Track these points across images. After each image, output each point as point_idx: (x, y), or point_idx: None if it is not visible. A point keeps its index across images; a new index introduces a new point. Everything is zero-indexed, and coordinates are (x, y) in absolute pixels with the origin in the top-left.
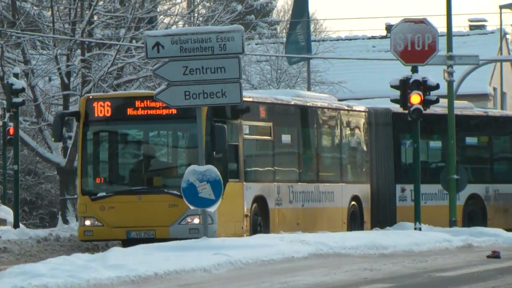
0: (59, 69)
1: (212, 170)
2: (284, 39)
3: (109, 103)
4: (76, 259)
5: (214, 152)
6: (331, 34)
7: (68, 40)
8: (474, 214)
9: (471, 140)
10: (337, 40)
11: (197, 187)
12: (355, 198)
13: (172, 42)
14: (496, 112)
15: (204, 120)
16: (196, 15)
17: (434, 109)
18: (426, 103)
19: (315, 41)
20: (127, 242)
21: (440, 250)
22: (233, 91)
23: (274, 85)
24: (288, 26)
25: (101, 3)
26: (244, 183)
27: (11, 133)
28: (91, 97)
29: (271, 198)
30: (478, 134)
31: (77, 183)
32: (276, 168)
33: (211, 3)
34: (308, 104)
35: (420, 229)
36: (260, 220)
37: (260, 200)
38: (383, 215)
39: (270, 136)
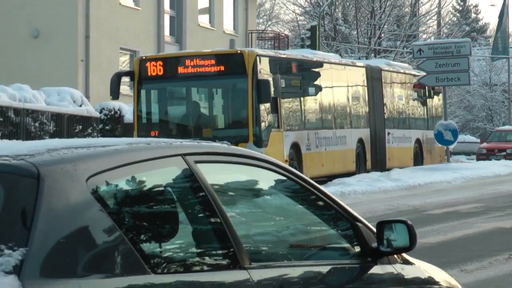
0: None
1: (451, 123)
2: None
3: (160, 63)
4: (372, 175)
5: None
6: None
7: (367, 48)
8: (417, 155)
9: (416, 95)
10: None
11: (443, 134)
12: (360, 140)
13: (429, 48)
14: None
15: (250, 75)
16: (441, 33)
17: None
18: None
19: None
20: None
21: None
22: (464, 77)
23: (487, 74)
24: (494, 38)
25: (385, 26)
26: (284, 131)
27: None
28: (144, 57)
29: (303, 144)
30: (417, 90)
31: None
32: (305, 117)
33: (451, 26)
34: (325, 60)
35: None
36: (296, 164)
37: (295, 147)
38: (379, 155)
39: (300, 89)
